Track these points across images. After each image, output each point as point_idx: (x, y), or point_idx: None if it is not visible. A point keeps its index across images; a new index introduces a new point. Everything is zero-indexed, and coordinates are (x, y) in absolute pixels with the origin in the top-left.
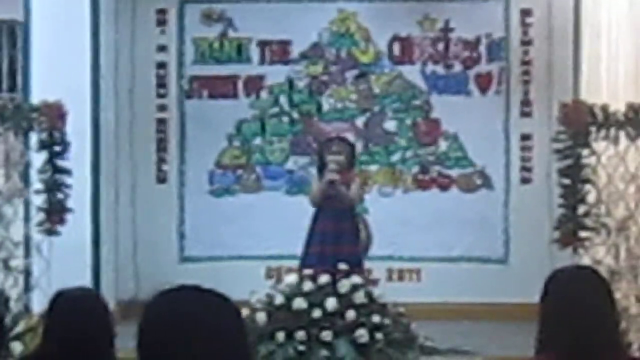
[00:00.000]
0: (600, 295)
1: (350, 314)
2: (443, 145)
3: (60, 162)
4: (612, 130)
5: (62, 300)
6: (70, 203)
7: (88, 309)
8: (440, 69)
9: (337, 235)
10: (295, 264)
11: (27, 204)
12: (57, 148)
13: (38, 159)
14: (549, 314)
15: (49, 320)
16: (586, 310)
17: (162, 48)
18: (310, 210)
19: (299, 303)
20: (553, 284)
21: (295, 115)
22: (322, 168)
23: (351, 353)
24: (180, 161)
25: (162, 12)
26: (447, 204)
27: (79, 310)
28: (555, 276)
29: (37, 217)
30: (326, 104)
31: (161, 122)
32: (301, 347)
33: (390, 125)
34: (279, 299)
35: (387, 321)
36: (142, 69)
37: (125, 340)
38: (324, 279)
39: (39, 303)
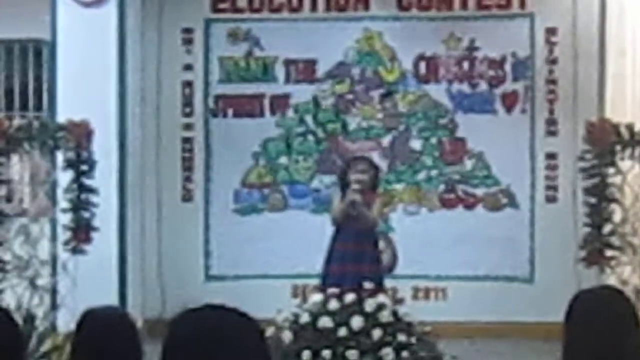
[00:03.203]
0: (624, 316)
1: (376, 333)
2: (468, 164)
3: (86, 181)
4: (638, 149)
5: (90, 320)
6: (96, 222)
7: (116, 328)
8: (465, 88)
9: (358, 255)
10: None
11: (53, 223)
12: (83, 167)
13: (64, 177)
14: (573, 335)
15: (76, 340)
16: (610, 331)
17: (188, 67)
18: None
19: (325, 322)
20: (577, 305)
21: (321, 134)
22: (344, 187)
23: None
24: (205, 180)
25: (188, 31)
26: (473, 222)
27: (107, 329)
28: (579, 297)
29: (63, 235)
30: (352, 122)
31: (187, 140)
32: None
33: (415, 144)
34: (304, 318)
35: (413, 340)
36: (168, 88)
37: (152, 359)
38: (349, 297)
39: (65, 322)
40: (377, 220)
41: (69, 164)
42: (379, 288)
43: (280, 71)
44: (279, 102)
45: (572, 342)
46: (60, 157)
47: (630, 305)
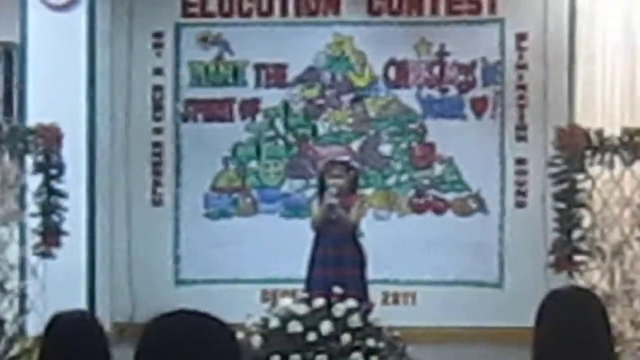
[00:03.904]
0: (596, 317)
1: (345, 338)
2: (438, 169)
3: (56, 185)
4: (607, 155)
5: (59, 324)
6: (65, 226)
7: (84, 332)
8: (435, 93)
9: (338, 259)
10: (290, 287)
11: (22, 227)
12: (53, 171)
13: (34, 181)
14: (544, 335)
15: (45, 344)
16: (581, 332)
17: (158, 71)
18: (307, 233)
19: (294, 326)
20: (549, 305)
21: (291, 138)
22: (322, 191)
23: None
24: (175, 184)
25: (158, 35)
26: (442, 227)
27: (76, 333)
28: (551, 297)
29: (32, 239)
30: (322, 127)
31: (157, 145)
32: None
33: (385, 149)
34: (274, 323)
35: (382, 345)
36: (138, 92)
37: None
38: (319, 302)
39: (34, 325)
40: (357, 222)
41: (39, 168)
42: (362, 293)
43: (250, 76)
44: (249, 107)
45: (543, 343)
46: (29, 160)
47: (601, 306)
